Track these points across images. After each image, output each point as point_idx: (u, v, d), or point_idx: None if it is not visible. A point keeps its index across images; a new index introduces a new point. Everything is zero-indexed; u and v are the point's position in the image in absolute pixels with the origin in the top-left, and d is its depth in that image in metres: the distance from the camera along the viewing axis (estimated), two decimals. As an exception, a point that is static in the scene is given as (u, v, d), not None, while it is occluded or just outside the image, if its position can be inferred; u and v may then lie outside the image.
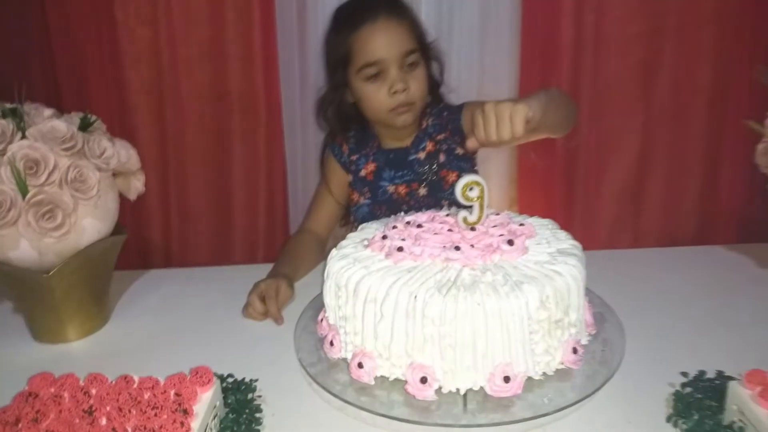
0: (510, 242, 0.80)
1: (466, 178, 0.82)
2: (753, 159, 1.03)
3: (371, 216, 1.23)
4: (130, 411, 0.66)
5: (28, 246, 0.89)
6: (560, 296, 0.75)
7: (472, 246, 0.80)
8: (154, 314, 1.08)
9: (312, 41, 1.56)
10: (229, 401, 0.76)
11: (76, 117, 0.93)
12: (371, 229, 0.92)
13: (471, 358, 0.72)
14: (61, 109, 0.97)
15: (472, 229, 0.84)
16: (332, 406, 0.77)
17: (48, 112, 0.91)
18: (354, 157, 1.28)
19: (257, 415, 0.75)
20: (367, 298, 0.75)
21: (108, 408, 0.67)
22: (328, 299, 0.84)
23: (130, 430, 0.64)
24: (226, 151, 1.62)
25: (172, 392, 0.70)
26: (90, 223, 0.93)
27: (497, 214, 0.91)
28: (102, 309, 1.04)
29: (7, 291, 0.98)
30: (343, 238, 0.92)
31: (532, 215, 0.95)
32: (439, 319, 0.71)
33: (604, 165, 1.63)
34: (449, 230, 0.85)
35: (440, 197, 1.23)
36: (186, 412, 0.66)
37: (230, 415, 0.74)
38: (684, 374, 0.76)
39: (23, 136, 0.87)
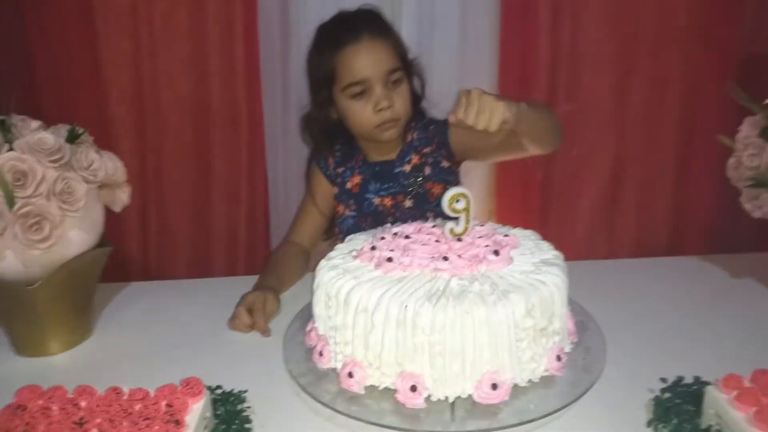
0: (496, 252, 0.82)
1: (453, 191, 0.84)
2: (724, 173, 1.08)
3: (356, 228, 1.24)
4: (121, 422, 0.66)
5: (13, 257, 0.88)
6: (545, 305, 0.77)
7: (460, 256, 0.82)
8: (137, 327, 1.07)
9: (295, 55, 1.57)
10: (219, 412, 0.76)
11: (63, 129, 0.93)
12: (359, 240, 0.93)
13: (460, 365, 0.73)
14: (42, 121, 0.96)
15: (459, 239, 0.86)
16: (321, 416, 0.78)
17: (35, 124, 0.90)
18: (340, 170, 1.29)
19: (247, 425, 0.75)
20: (358, 308, 0.76)
21: (99, 420, 0.67)
22: (318, 309, 0.84)
23: (122, 441, 0.64)
24: (206, 164, 1.62)
25: (164, 403, 0.70)
26: (76, 234, 0.93)
27: (482, 226, 0.93)
28: (85, 322, 1.03)
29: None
30: (324, 255, 0.92)
31: (512, 226, 0.97)
32: (429, 328, 0.72)
33: (580, 178, 1.68)
34: (437, 241, 0.86)
35: (425, 209, 1.24)
36: (178, 423, 0.67)
37: (220, 427, 0.74)
38: (663, 380, 0.79)
39: (11, 148, 0.86)
